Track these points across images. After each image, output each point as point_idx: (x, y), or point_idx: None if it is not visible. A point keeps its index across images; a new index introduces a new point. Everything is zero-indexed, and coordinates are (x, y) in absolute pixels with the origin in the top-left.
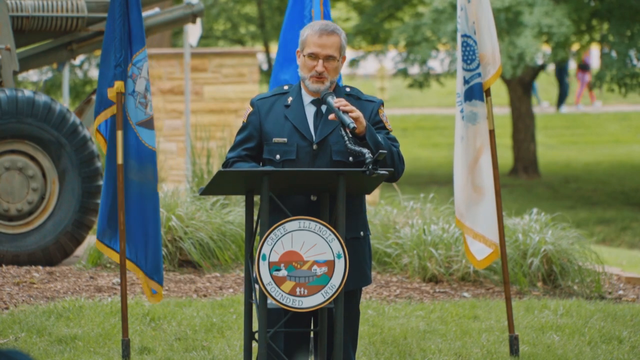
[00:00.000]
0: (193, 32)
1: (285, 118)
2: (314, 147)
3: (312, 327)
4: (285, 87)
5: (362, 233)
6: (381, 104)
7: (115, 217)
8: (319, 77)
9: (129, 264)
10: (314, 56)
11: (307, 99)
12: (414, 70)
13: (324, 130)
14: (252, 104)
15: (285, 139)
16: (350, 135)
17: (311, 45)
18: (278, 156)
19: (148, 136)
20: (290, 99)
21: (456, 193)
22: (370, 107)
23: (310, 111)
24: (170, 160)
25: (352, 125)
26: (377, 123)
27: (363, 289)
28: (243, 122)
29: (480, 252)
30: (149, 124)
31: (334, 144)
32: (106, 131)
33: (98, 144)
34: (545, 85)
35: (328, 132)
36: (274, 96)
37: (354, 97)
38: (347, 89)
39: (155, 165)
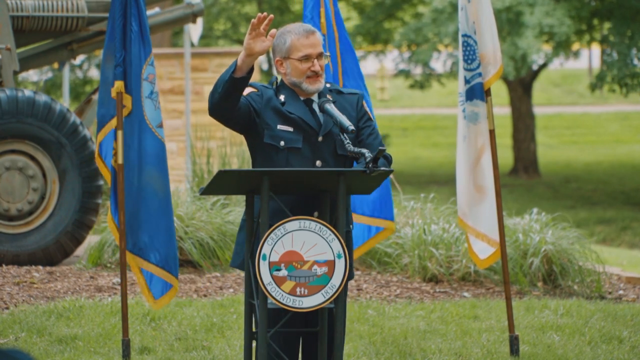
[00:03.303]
0: (194, 30)
1: (288, 112)
2: (320, 139)
3: (305, 328)
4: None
5: (351, 226)
6: (362, 96)
7: (138, 224)
8: (317, 76)
9: (155, 269)
10: (307, 57)
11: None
12: (415, 70)
13: (327, 123)
14: (255, 86)
15: (292, 128)
16: (348, 139)
17: (302, 48)
18: (283, 143)
19: (163, 134)
20: (282, 96)
21: (459, 192)
22: (355, 99)
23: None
24: (171, 160)
25: (350, 128)
26: (363, 116)
27: (363, 288)
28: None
29: (483, 251)
30: (161, 123)
31: (337, 137)
32: (105, 154)
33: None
34: (545, 85)
35: (331, 125)
36: (269, 89)
37: (335, 91)
38: (327, 85)
39: (166, 160)
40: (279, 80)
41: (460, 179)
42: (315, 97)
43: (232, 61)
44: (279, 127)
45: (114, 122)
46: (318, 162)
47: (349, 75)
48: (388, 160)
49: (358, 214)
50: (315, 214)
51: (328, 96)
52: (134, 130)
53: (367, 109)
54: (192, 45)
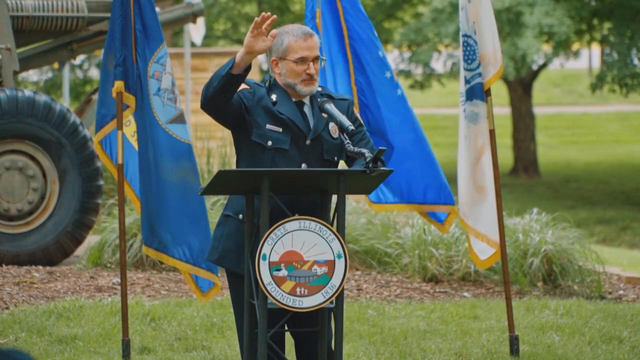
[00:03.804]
0: (197, 31)
1: (278, 112)
2: (307, 142)
3: (292, 329)
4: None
5: None
6: (352, 102)
7: (159, 221)
8: (311, 80)
9: (181, 264)
10: (303, 60)
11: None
12: (416, 71)
13: (317, 127)
14: (248, 83)
15: (281, 129)
16: (348, 139)
17: (298, 50)
18: (270, 142)
19: (181, 131)
20: (274, 96)
21: (460, 193)
22: (345, 104)
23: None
24: None
25: (350, 128)
26: (354, 122)
27: (363, 288)
28: None
29: (483, 251)
30: (180, 118)
31: (325, 142)
32: (109, 147)
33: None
34: (545, 85)
35: (321, 129)
36: (262, 88)
37: (326, 95)
38: (319, 89)
39: (193, 157)
40: (272, 79)
41: (461, 179)
42: (307, 100)
43: None
44: (268, 126)
45: (114, 123)
46: (303, 165)
47: (366, 72)
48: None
49: (420, 204)
50: (296, 215)
51: (319, 100)
52: (146, 128)
53: (358, 115)
54: (194, 45)
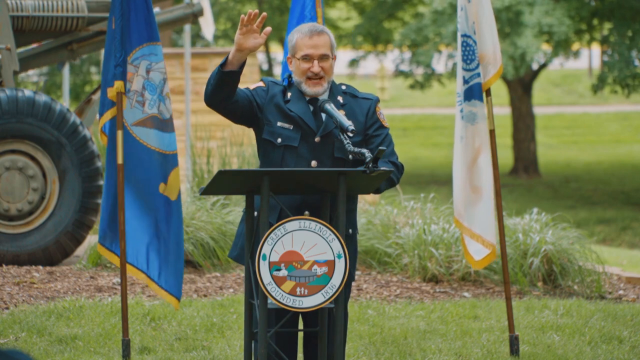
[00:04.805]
0: (206, 27)
1: (289, 109)
2: (317, 139)
3: (300, 328)
4: (282, 82)
5: (350, 231)
6: (377, 101)
7: (116, 219)
8: (317, 79)
9: (128, 267)
10: (308, 58)
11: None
12: (417, 71)
13: (328, 125)
14: (264, 82)
15: (291, 126)
16: (349, 139)
17: (303, 48)
18: (280, 140)
19: (147, 135)
20: (289, 94)
21: (455, 193)
22: (367, 105)
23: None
24: None
25: (350, 128)
26: (374, 123)
27: (363, 288)
28: (247, 87)
29: (478, 252)
30: (148, 122)
31: (337, 140)
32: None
33: (99, 144)
34: (545, 85)
35: (332, 127)
36: (279, 86)
37: (350, 94)
38: (343, 87)
39: (158, 164)
40: (291, 77)
41: (457, 179)
42: (323, 98)
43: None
44: (279, 124)
45: (111, 112)
46: (314, 163)
47: None
48: (398, 168)
49: None
50: (306, 213)
51: (339, 98)
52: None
53: (382, 116)
54: (195, 44)
